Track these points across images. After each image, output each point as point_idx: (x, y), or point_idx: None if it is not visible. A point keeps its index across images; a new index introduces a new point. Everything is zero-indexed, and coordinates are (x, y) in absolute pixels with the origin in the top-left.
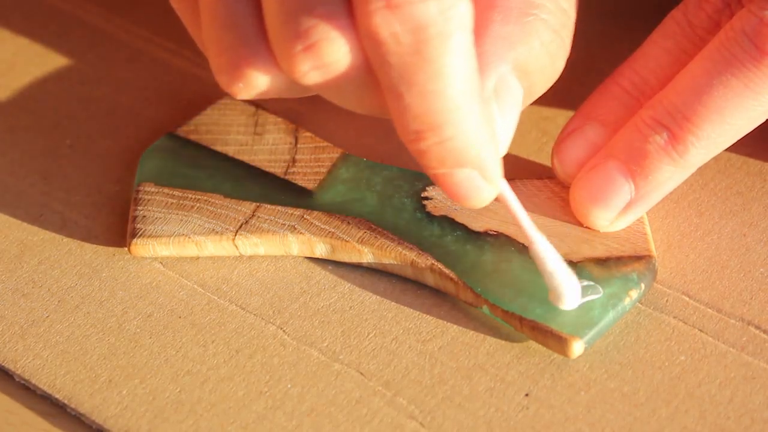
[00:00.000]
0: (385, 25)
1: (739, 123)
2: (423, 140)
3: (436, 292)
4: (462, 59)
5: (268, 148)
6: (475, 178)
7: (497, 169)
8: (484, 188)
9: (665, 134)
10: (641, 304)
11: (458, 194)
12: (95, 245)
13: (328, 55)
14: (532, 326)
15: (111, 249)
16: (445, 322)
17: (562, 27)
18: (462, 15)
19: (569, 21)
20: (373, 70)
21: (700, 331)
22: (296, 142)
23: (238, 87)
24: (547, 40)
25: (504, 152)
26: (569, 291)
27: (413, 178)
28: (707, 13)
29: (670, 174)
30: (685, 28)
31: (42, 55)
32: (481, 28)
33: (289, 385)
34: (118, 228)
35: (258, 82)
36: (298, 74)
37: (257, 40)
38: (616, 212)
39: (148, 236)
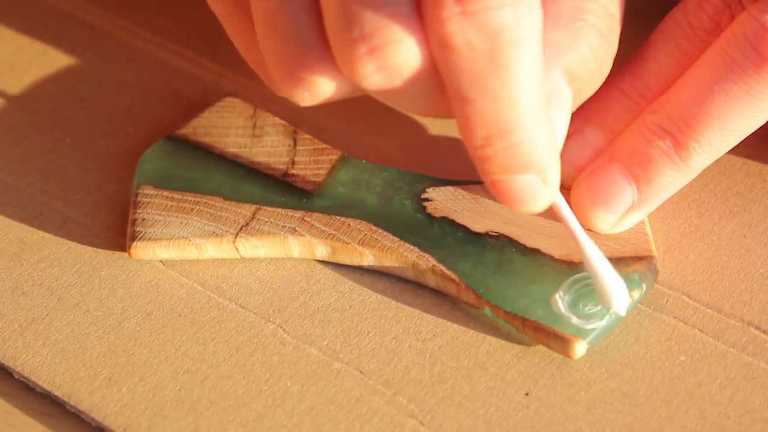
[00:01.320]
0: (460, 31)
1: (741, 128)
2: (490, 145)
3: (437, 292)
4: (534, 65)
5: (267, 150)
6: (536, 183)
7: (557, 175)
8: (543, 193)
9: (668, 140)
10: (641, 304)
11: (516, 200)
12: (95, 243)
13: (393, 58)
14: (535, 327)
15: (111, 247)
16: (445, 321)
17: (610, 31)
18: (535, 22)
19: (616, 25)
20: (440, 73)
21: (700, 331)
22: (295, 144)
23: (302, 95)
24: (595, 45)
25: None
26: (618, 295)
27: (413, 180)
28: (708, 14)
29: (673, 178)
30: (685, 30)
31: (42, 55)
32: None
33: (288, 384)
34: (117, 227)
35: (322, 88)
36: (360, 77)
37: (318, 45)
38: (618, 215)
39: (148, 239)
